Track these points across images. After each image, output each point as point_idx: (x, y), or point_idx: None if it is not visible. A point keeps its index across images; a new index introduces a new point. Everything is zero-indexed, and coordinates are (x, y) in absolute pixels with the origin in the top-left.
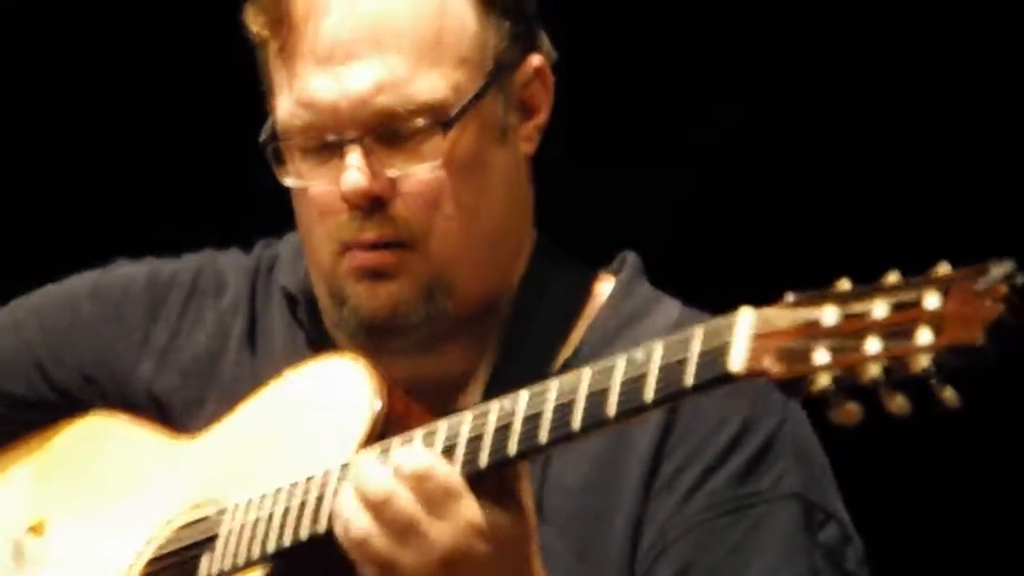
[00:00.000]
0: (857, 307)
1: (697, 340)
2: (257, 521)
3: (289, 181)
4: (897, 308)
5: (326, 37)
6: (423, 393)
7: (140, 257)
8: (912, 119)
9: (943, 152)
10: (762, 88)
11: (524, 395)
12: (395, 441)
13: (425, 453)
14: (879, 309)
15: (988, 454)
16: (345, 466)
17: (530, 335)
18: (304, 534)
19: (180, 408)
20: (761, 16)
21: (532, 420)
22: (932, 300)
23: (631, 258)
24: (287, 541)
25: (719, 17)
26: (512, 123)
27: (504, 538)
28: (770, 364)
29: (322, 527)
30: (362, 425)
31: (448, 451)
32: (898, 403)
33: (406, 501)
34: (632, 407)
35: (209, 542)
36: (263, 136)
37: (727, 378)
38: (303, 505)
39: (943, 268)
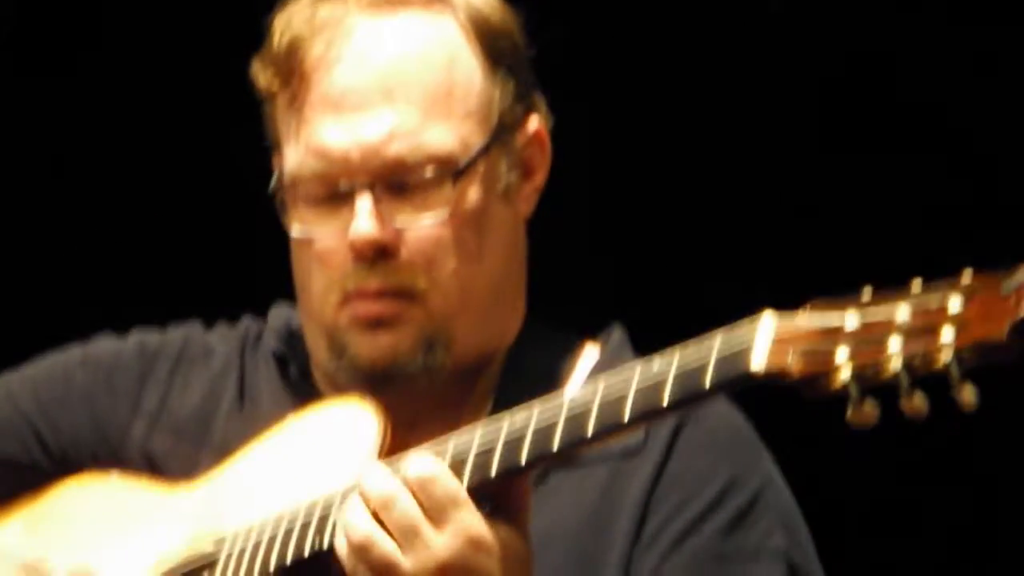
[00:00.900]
0: (880, 312)
1: (718, 343)
2: (258, 544)
3: (295, 231)
4: (920, 312)
5: (338, 86)
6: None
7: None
8: None
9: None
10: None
11: (537, 406)
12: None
13: (432, 461)
14: (902, 313)
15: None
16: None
17: (521, 396)
18: (306, 551)
19: (174, 467)
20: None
21: (545, 431)
22: (956, 303)
23: (617, 329)
24: (288, 559)
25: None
26: (513, 182)
27: (505, 555)
28: (791, 363)
29: (326, 542)
30: (365, 456)
31: (458, 462)
32: (916, 404)
33: (408, 505)
34: (649, 410)
35: (209, 567)
36: (271, 186)
37: (747, 378)
38: (306, 525)
39: (967, 275)
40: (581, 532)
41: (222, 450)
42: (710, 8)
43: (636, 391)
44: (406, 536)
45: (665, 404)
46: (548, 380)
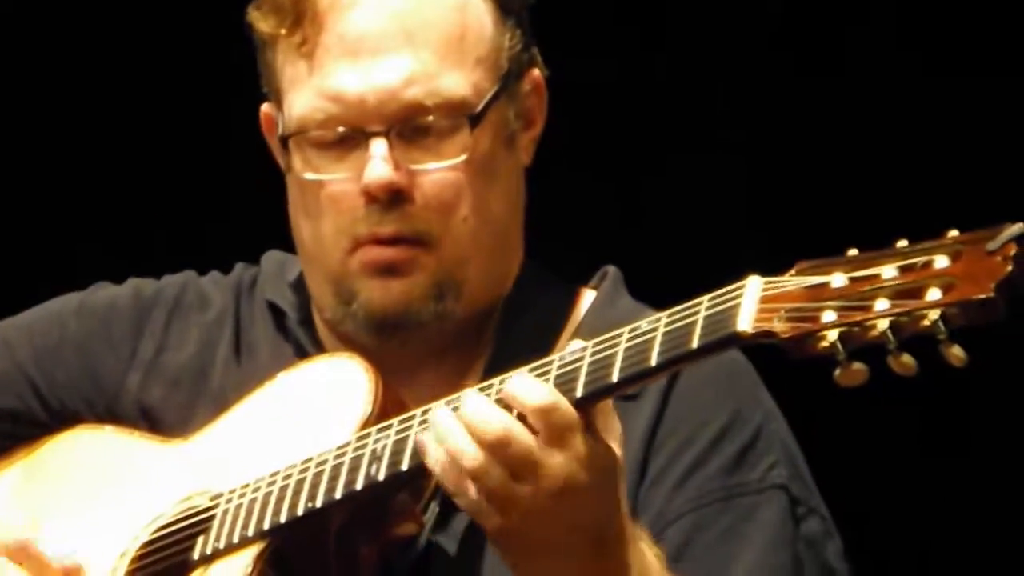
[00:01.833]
0: (865, 271)
1: (705, 305)
2: (253, 501)
3: (306, 175)
4: (906, 270)
5: (354, 30)
6: (417, 399)
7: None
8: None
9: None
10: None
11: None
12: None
13: (544, 387)
14: (888, 271)
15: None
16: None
17: (520, 342)
18: (300, 510)
19: (170, 418)
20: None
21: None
22: (942, 261)
23: (612, 271)
24: (283, 517)
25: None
26: (517, 130)
27: (603, 467)
28: (777, 324)
29: (319, 501)
30: (357, 417)
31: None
32: (904, 362)
33: (527, 438)
34: (636, 371)
35: (204, 524)
36: (280, 132)
37: (735, 338)
38: (301, 482)
39: (952, 232)
40: None
41: (219, 400)
42: None
43: (624, 352)
44: (525, 465)
45: (653, 364)
46: (546, 327)
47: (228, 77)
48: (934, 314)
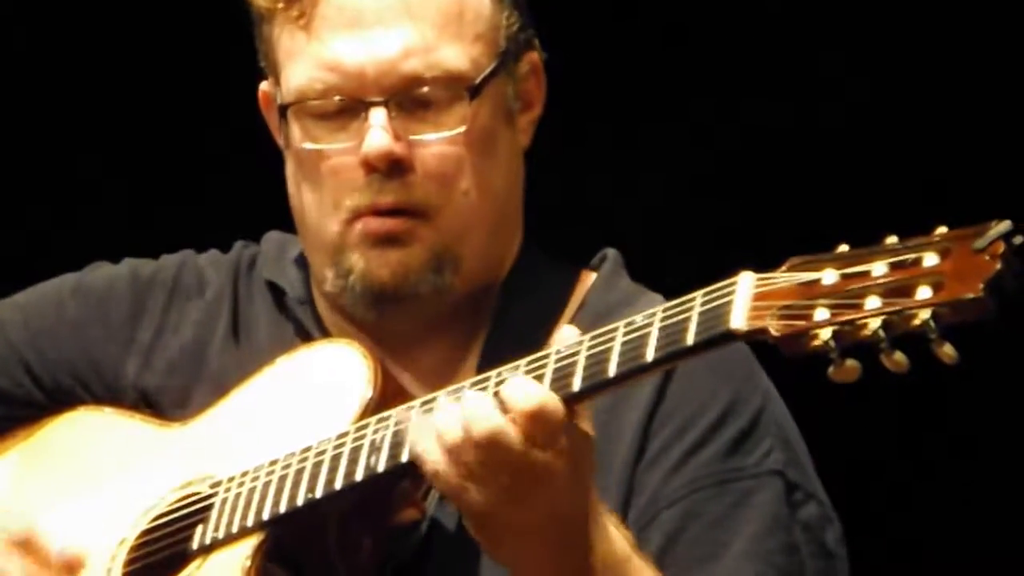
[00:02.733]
0: (856, 267)
1: (699, 301)
2: (252, 491)
3: (305, 145)
4: (896, 267)
5: (353, 2)
6: (415, 377)
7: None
8: None
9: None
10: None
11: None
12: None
13: (539, 392)
14: (878, 268)
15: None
16: (427, 402)
17: (519, 323)
18: (300, 500)
19: (168, 402)
20: None
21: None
22: (931, 259)
23: (612, 254)
24: (283, 508)
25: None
26: (516, 110)
27: (581, 457)
28: (771, 322)
29: (319, 492)
30: (356, 405)
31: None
32: (897, 360)
33: (514, 440)
34: (632, 367)
35: (203, 512)
36: (279, 101)
37: (728, 336)
38: (300, 471)
39: (941, 229)
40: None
41: (217, 382)
42: None
43: (621, 347)
44: (508, 460)
45: (649, 360)
46: (546, 307)
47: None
48: (925, 313)
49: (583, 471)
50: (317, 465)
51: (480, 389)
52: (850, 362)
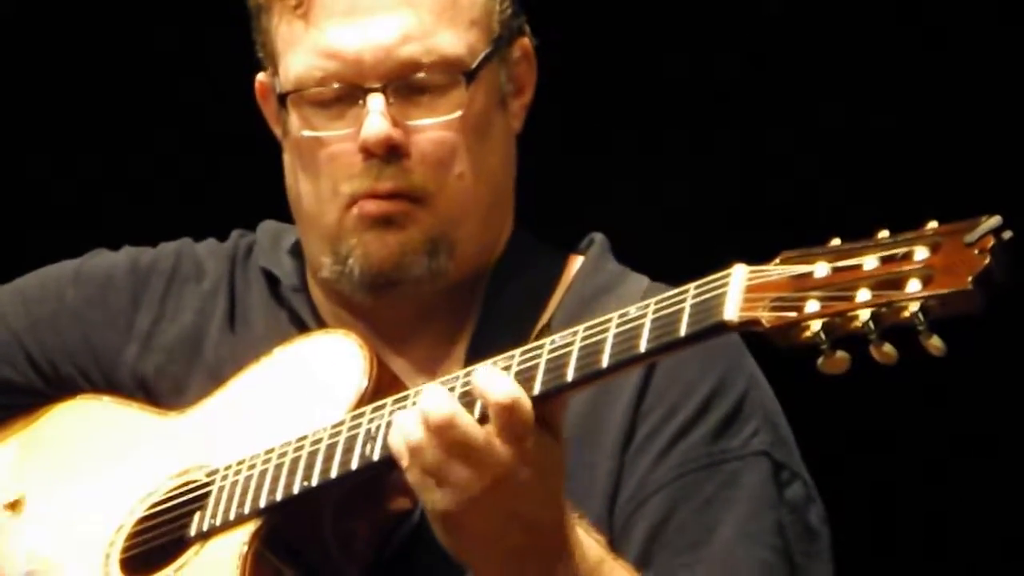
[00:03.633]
0: (848, 261)
1: (691, 292)
2: (249, 478)
3: (306, 132)
4: (887, 261)
5: None
6: (408, 363)
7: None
8: None
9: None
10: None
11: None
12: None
13: (507, 383)
14: (869, 262)
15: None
16: (405, 397)
17: (508, 309)
18: (296, 488)
19: (165, 389)
20: None
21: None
22: (922, 252)
23: (599, 238)
24: (279, 496)
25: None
26: (509, 95)
27: (549, 463)
28: (762, 314)
29: (315, 480)
30: (351, 395)
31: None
32: (886, 352)
33: (470, 425)
34: (625, 358)
35: (200, 500)
36: (279, 90)
37: (721, 327)
38: (296, 460)
39: (932, 224)
40: (571, 442)
41: (213, 370)
42: None
43: (614, 338)
44: (466, 453)
45: (642, 351)
46: (535, 292)
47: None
48: (914, 305)
49: (550, 479)
50: (313, 454)
51: (448, 383)
52: (840, 353)
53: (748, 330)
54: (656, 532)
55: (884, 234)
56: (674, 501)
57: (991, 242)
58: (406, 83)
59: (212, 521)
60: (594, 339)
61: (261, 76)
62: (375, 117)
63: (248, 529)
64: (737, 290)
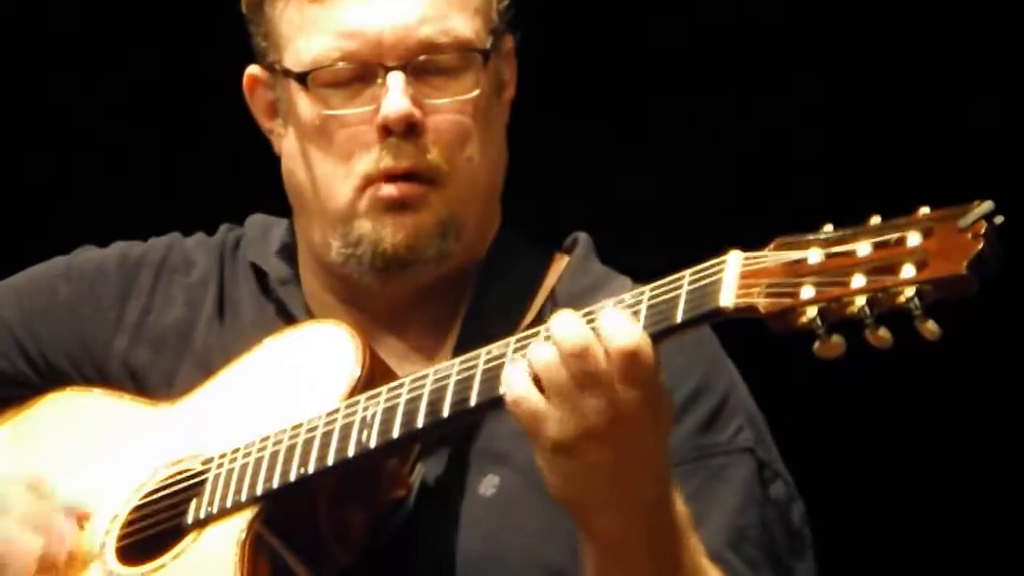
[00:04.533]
0: (841, 247)
1: (687, 279)
2: (245, 466)
3: (324, 111)
4: (880, 246)
5: None
6: (395, 357)
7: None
8: None
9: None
10: None
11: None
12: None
13: (636, 330)
14: (863, 248)
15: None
16: (415, 379)
17: (497, 299)
18: (293, 476)
19: (155, 379)
20: None
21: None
22: (914, 238)
23: (583, 237)
24: (276, 483)
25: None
26: (503, 85)
27: (661, 408)
28: (759, 300)
29: (311, 468)
30: (344, 384)
31: None
32: (881, 336)
33: (602, 357)
34: None
35: (196, 488)
36: (293, 70)
37: (717, 312)
38: (292, 448)
39: (924, 209)
40: None
41: (202, 361)
42: None
43: None
44: (594, 379)
45: None
46: (522, 288)
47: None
48: (910, 290)
49: (662, 424)
50: (309, 441)
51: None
52: (835, 338)
53: (744, 316)
54: None
55: (876, 220)
56: None
57: (984, 227)
58: (423, 64)
59: (209, 509)
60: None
61: (252, 69)
62: (396, 94)
63: (246, 516)
64: (732, 276)
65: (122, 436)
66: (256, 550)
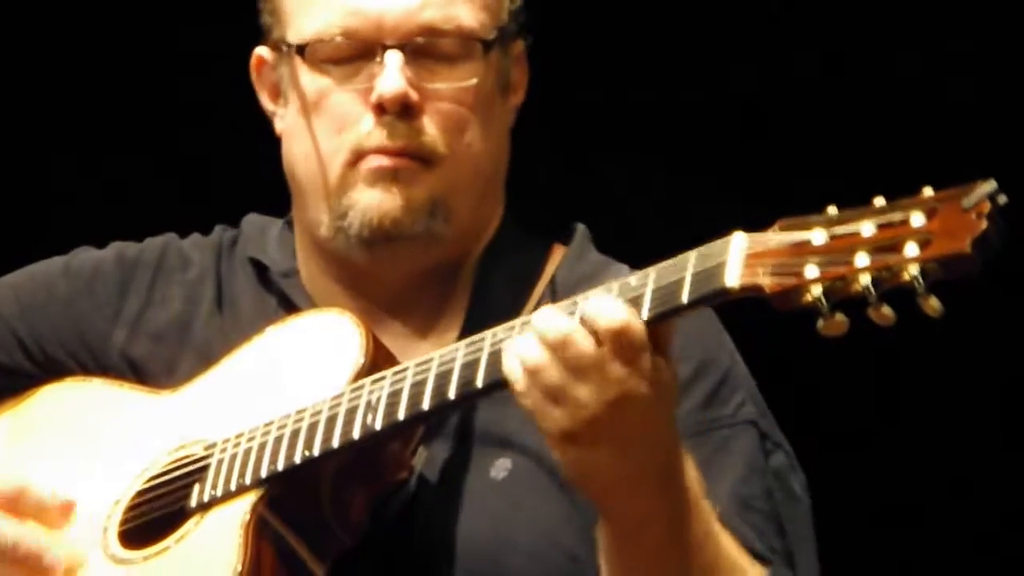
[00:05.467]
0: (845, 228)
1: (692, 260)
2: (249, 450)
3: (320, 83)
4: (884, 227)
5: None
6: (399, 338)
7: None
8: None
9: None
10: None
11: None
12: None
13: (620, 308)
14: (867, 228)
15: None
16: (419, 363)
17: (499, 286)
18: (298, 458)
19: (155, 370)
20: None
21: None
22: (918, 218)
23: (580, 228)
24: (280, 466)
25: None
26: (508, 85)
27: (663, 382)
28: (764, 279)
29: (316, 450)
30: (348, 371)
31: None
32: (884, 314)
33: (587, 342)
34: None
35: (199, 472)
36: (292, 42)
37: (723, 292)
38: (296, 432)
39: (927, 190)
40: None
41: (203, 354)
42: None
43: None
44: (584, 366)
45: (645, 319)
46: (522, 278)
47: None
48: (914, 268)
49: (665, 398)
50: (313, 425)
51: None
52: (839, 316)
53: (749, 296)
54: None
55: (880, 201)
56: None
57: (988, 206)
58: (422, 47)
59: (213, 492)
60: None
61: (259, 50)
62: (392, 72)
63: (250, 499)
64: (737, 257)
65: (123, 423)
66: (259, 532)
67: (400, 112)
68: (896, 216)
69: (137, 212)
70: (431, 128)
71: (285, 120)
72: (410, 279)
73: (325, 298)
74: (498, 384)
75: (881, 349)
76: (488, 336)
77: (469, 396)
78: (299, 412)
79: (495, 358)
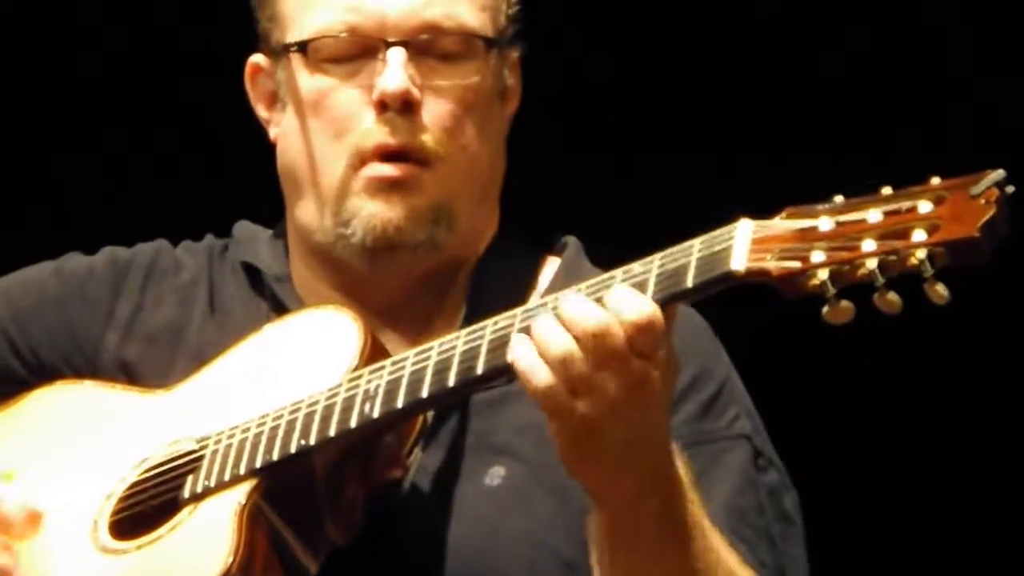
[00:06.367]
0: (851, 215)
1: (697, 246)
2: (244, 441)
3: (321, 80)
4: (891, 214)
5: None
6: (393, 343)
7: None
8: None
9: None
10: None
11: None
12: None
13: (645, 304)
14: (874, 215)
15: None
16: (419, 352)
17: (494, 294)
18: (293, 448)
19: (149, 372)
20: None
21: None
22: (925, 206)
23: (572, 240)
24: (276, 455)
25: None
26: (506, 90)
27: (671, 371)
28: (770, 264)
29: (312, 439)
30: (346, 362)
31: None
32: (890, 300)
33: (621, 336)
34: None
35: (193, 464)
36: (291, 41)
37: (729, 276)
38: (292, 422)
39: (935, 179)
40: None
41: (196, 356)
42: None
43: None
44: (613, 359)
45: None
46: (516, 288)
47: None
48: (921, 252)
49: (668, 387)
50: (310, 415)
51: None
52: (844, 303)
53: (755, 280)
54: None
55: (887, 190)
56: None
57: (996, 194)
58: (424, 45)
59: (206, 482)
60: (597, 295)
61: (254, 57)
62: (395, 68)
63: (244, 489)
64: (743, 242)
65: (115, 421)
66: (254, 520)
67: (401, 109)
68: (904, 204)
69: (137, 212)
70: (430, 127)
71: (282, 125)
72: (406, 285)
73: (318, 301)
74: (499, 371)
75: (882, 348)
76: (489, 324)
77: (469, 383)
78: (295, 404)
79: (496, 344)
